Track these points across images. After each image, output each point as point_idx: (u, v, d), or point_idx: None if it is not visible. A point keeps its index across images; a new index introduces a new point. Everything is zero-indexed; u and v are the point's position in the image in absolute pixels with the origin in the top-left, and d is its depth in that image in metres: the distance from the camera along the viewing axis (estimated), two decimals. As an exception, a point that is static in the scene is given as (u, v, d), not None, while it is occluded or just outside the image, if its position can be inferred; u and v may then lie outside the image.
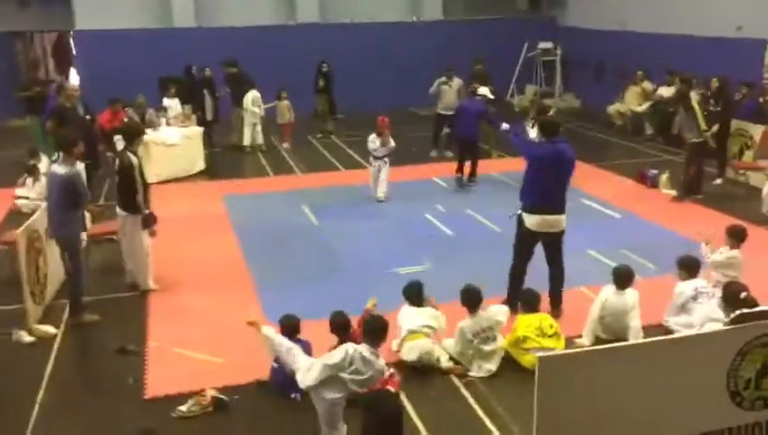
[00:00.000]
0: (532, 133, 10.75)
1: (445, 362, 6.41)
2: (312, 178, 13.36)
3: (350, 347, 5.03)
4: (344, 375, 4.94)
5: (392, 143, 11.50)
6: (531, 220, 7.11)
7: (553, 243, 7.24)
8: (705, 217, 10.41)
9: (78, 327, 7.47)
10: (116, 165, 8.12)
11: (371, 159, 11.61)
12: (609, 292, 6.86)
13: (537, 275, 7.37)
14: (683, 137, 11.43)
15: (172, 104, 14.67)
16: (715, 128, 11.30)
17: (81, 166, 7.99)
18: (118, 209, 8.14)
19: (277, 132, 16.06)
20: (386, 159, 11.48)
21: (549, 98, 20.24)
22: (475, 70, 14.36)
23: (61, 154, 7.57)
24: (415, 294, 6.71)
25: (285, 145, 15.79)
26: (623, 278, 6.87)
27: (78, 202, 7.49)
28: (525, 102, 20.46)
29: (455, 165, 12.49)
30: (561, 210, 7.12)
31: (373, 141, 11.49)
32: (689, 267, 7.09)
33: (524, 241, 7.28)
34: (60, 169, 7.47)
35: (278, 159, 14.87)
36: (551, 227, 7.11)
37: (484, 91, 12.59)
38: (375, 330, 5.12)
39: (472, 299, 6.47)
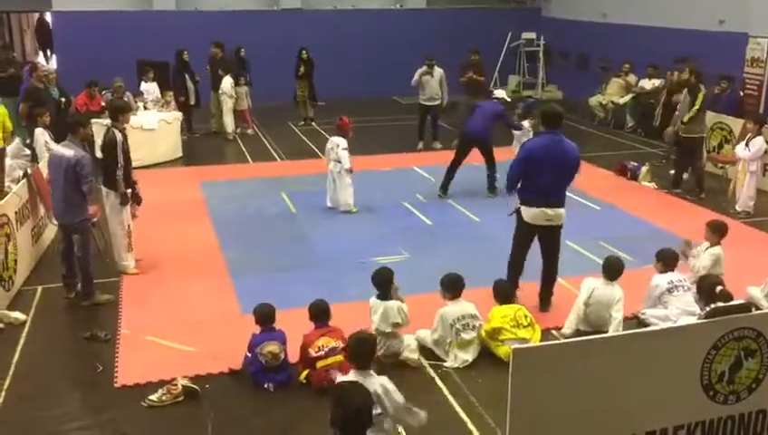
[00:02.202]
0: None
1: (409, 354, 6.30)
2: (292, 165, 13.23)
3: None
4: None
5: None
6: (529, 214, 6.96)
7: (551, 238, 7.10)
8: (684, 211, 10.45)
9: (50, 313, 7.34)
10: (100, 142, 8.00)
11: (349, 169, 10.14)
12: (597, 282, 6.80)
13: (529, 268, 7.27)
14: (676, 130, 11.25)
15: (150, 88, 14.45)
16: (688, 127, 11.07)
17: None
18: (101, 186, 8.06)
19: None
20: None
21: (531, 89, 20.45)
22: (470, 60, 14.26)
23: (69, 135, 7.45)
24: (384, 282, 6.39)
25: (249, 131, 15.65)
26: (614, 270, 6.82)
27: (87, 185, 7.23)
28: (508, 93, 20.46)
29: (436, 155, 11.77)
30: (560, 204, 6.98)
31: (345, 147, 10.14)
32: (666, 261, 7.07)
33: (523, 234, 7.15)
34: (66, 150, 7.29)
35: (258, 146, 14.72)
36: (549, 221, 6.97)
37: (500, 93, 12.12)
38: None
39: (454, 286, 6.40)
